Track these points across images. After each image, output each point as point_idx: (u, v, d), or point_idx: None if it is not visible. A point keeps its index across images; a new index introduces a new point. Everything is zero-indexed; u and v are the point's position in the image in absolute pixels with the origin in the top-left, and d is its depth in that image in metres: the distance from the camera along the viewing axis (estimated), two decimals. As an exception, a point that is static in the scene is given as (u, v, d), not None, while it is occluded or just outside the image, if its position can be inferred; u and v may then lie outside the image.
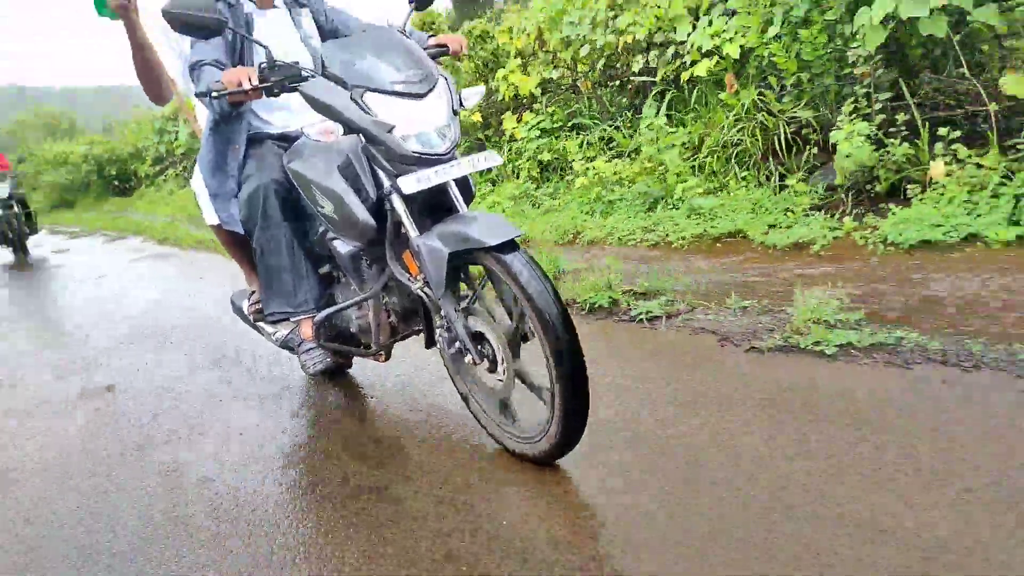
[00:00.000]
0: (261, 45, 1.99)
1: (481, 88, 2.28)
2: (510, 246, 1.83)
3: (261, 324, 2.80)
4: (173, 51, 2.63)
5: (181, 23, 1.91)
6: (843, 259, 3.38)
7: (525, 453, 2.05)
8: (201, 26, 1.92)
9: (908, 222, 3.39)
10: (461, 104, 2.07)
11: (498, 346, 2.00)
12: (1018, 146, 3.35)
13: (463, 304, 2.06)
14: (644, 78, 5.59)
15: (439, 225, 1.93)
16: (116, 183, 17.84)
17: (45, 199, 18.90)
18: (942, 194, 3.47)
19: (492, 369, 2.05)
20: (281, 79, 1.95)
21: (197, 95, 2.23)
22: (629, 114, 5.77)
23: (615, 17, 5.64)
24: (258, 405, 2.86)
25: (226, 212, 2.54)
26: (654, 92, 5.48)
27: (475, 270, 2.08)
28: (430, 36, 2.46)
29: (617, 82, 5.94)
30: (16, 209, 9.31)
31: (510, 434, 2.11)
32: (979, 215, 3.26)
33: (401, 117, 1.88)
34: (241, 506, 2.06)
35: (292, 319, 2.54)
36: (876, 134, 3.78)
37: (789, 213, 3.96)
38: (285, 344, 2.71)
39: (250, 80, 1.93)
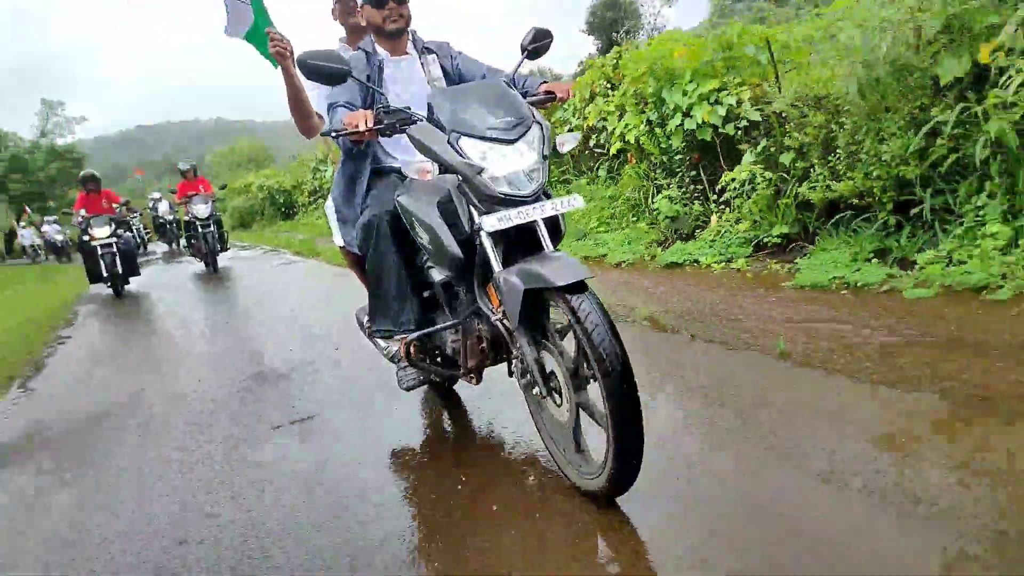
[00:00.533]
0: (379, 92, 2.35)
1: (577, 135, 2.42)
2: (580, 287, 1.93)
3: (376, 339, 2.89)
4: (320, 93, 2.89)
5: (310, 71, 2.19)
6: (641, 271, 5.61)
7: (585, 487, 2.12)
8: (327, 74, 2.21)
9: (686, 251, 5.56)
10: (555, 149, 2.22)
11: (563, 380, 2.10)
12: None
13: (538, 338, 2.16)
14: (598, 149, 7.98)
15: (521, 262, 2.05)
16: (283, 209, 22.26)
17: (230, 220, 23.76)
18: (714, 235, 5.60)
19: (559, 403, 2.16)
20: (393, 122, 2.24)
21: (322, 134, 2.51)
22: (592, 174, 8.17)
23: (585, 107, 8.08)
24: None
25: (350, 235, 2.83)
26: (602, 160, 7.85)
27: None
28: (542, 83, 2.67)
29: (586, 151, 8.35)
30: (212, 229, 10.93)
31: (574, 467, 2.19)
32: (714, 249, 5.39)
33: (492, 160, 2.04)
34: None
35: (395, 337, 2.71)
36: (683, 197, 5.97)
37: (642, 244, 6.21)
38: (392, 359, 2.82)
39: (367, 122, 2.20)
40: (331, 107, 2.54)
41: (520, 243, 2.14)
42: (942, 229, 3.95)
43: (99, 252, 9.42)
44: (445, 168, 2.14)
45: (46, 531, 2.60)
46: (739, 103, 5.44)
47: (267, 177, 23.53)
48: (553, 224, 2.20)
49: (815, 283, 4.13)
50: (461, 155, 2.06)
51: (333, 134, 2.31)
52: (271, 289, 8.34)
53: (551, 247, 2.11)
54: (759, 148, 5.20)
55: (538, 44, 2.53)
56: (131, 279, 9.83)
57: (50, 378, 5.16)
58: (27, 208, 30.06)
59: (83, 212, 9.66)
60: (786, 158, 4.92)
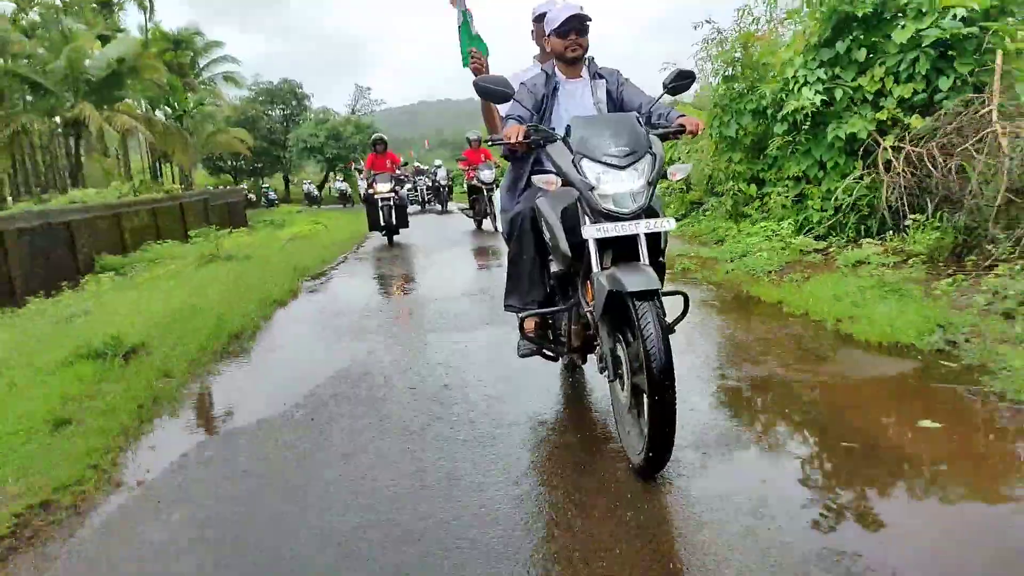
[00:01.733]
0: (526, 112, 2.92)
1: (689, 165, 2.84)
2: (650, 295, 2.28)
3: (510, 312, 3.27)
4: (504, 104, 3.16)
5: (481, 91, 2.83)
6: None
7: (633, 462, 2.51)
8: (495, 95, 2.81)
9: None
10: (665, 176, 2.66)
11: (626, 370, 2.49)
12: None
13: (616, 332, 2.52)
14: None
15: (616, 267, 2.44)
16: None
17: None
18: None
19: (623, 388, 2.54)
20: (538, 139, 2.75)
21: (483, 140, 3.30)
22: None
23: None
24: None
25: (506, 223, 3.26)
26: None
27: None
28: (680, 116, 2.90)
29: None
30: (392, 202, 11.23)
31: (628, 444, 2.56)
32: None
33: (604, 180, 2.49)
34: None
35: (520, 314, 3.15)
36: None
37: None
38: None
39: (518, 136, 2.70)
40: (506, 118, 3.05)
41: (626, 252, 2.51)
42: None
43: (379, 204, 11.12)
44: (567, 182, 2.59)
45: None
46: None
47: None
48: (655, 238, 2.58)
49: None
50: (580, 173, 2.52)
51: (490, 141, 2.99)
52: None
53: (646, 259, 2.46)
54: None
55: (677, 84, 2.87)
56: (401, 230, 11.63)
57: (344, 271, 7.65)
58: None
59: (371, 171, 11.37)
60: None
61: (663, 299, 2.41)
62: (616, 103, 3.11)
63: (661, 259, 2.68)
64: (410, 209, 17.70)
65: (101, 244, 13.61)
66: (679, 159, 10.44)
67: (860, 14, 6.33)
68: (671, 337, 2.34)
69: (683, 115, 2.90)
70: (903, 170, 5.96)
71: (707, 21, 8.73)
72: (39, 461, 2.87)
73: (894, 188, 6.00)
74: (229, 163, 43.86)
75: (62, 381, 3.81)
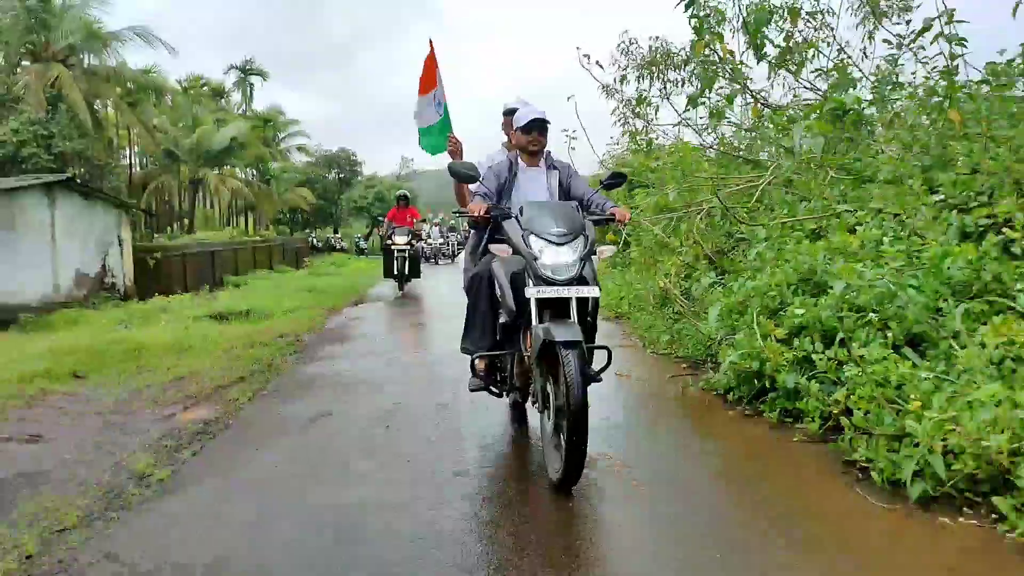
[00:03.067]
0: (491, 192, 3.74)
1: (613, 248, 3.97)
2: (575, 344, 2.96)
3: (465, 353, 3.95)
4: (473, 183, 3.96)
5: (453, 173, 3.73)
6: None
7: (552, 478, 3.21)
8: (463, 177, 3.72)
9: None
10: (594, 253, 3.40)
11: (552, 405, 3.21)
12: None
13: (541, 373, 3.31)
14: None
15: (550, 323, 3.15)
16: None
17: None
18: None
19: (549, 418, 3.29)
20: (496, 215, 3.55)
21: (452, 212, 4.31)
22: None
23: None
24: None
25: (466, 279, 4.12)
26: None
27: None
28: (614, 205, 3.76)
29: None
30: (407, 254, 12.55)
31: (550, 464, 3.27)
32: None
33: (546, 253, 3.27)
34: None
35: (473, 355, 3.83)
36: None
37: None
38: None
39: (480, 212, 3.51)
40: (474, 194, 3.94)
41: (561, 311, 3.28)
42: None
43: (395, 254, 12.44)
44: (516, 251, 3.38)
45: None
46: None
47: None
48: (585, 302, 3.33)
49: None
50: (527, 246, 3.29)
51: (457, 214, 3.93)
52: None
53: (575, 317, 3.22)
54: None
55: (611, 182, 3.82)
56: (412, 279, 12.94)
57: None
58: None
59: (392, 223, 12.67)
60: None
61: (593, 352, 3.38)
62: (565, 191, 3.95)
63: (591, 320, 3.45)
64: (442, 261, 21.78)
65: (226, 268, 21.53)
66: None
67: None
68: (598, 384, 3.34)
69: (616, 206, 3.77)
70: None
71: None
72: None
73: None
74: (288, 216, 51.64)
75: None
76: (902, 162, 5.22)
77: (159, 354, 6.92)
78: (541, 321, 3.26)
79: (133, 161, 34.47)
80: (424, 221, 15.81)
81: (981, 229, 4.21)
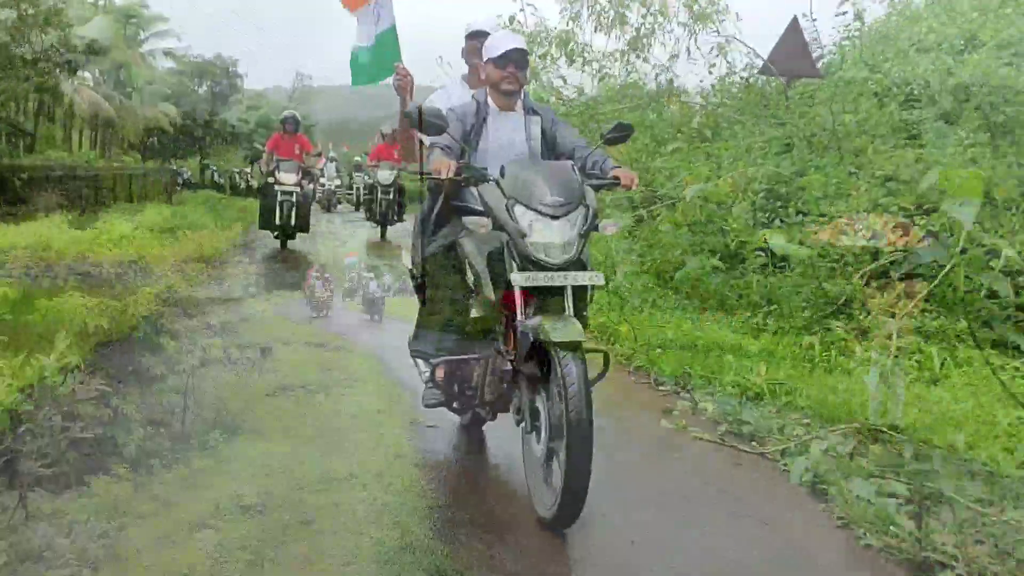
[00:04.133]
0: (455, 143, 2.74)
1: (619, 223, 2.96)
2: (575, 346, 2.35)
3: (417, 360, 3.21)
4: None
5: (416, 122, 2.67)
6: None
7: (541, 515, 2.53)
8: (432, 127, 2.69)
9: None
10: (596, 228, 2.67)
11: (544, 422, 2.52)
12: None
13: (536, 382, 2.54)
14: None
15: (541, 316, 2.45)
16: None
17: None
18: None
19: (539, 440, 2.56)
20: (468, 177, 2.69)
21: (409, 171, 2.96)
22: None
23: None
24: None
25: (419, 259, 3.16)
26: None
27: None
28: (615, 167, 2.89)
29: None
30: (391, 196, 10.84)
31: (538, 497, 2.58)
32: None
33: (536, 229, 2.49)
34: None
35: (432, 359, 3.04)
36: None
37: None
38: (424, 379, 3.13)
39: (448, 171, 2.63)
40: (432, 145, 2.92)
41: (551, 303, 2.52)
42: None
43: (278, 197, 9.28)
44: (497, 226, 2.61)
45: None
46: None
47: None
48: (582, 290, 2.62)
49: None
50: (512, 219, 2.51)
51: (419, 174, 2.96)
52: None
53: (571, 311, 2.50)
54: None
55: (615, 135, 2.87)
56: (298, 235, 9.75)
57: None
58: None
59: (274, 154, 9.50)
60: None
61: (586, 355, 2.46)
62: (549, 143, 3.08)
63: (584, 312, 2.74)
64: (340, 208, 17.40)
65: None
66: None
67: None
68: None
69: (618, 166, 2.94)
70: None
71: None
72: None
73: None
74: (146, 140, 40.47)
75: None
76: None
77: None
78: (527, 315, 2.57)
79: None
80: (319, 155, 12.14)
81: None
